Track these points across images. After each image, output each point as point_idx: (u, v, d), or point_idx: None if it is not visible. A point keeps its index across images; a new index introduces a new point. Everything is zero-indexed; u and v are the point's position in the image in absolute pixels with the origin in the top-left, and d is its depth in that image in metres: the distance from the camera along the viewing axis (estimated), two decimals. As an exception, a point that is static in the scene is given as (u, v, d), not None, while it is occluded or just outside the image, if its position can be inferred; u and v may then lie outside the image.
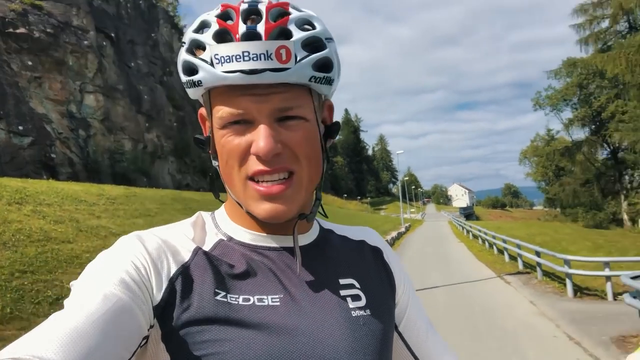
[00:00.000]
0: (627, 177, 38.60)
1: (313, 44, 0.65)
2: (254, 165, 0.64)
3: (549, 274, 11.14)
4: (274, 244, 0.70)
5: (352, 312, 0.69)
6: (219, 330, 0.60)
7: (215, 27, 0.63)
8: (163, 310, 0.61)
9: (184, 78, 0.67)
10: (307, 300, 0.67)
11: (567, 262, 9.20)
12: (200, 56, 0.63)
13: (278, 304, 0.64)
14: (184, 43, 0.67)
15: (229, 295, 0.63)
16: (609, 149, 39.12)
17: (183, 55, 0.66)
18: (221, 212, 0.75)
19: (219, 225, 0.73)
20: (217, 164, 0.69)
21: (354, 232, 0.83)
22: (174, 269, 0.64)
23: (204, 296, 0.62)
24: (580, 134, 41.21)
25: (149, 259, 0.63)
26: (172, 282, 0.62)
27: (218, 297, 0.62)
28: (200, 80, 0.64)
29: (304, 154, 0.66)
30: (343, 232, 0.82)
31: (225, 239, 0.71)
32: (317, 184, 0.71)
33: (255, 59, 0.60)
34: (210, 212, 0.77)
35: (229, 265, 0.67)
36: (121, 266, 0.61)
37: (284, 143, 0.64)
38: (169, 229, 0.70)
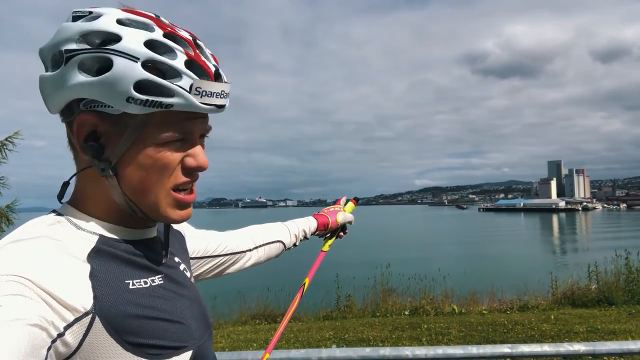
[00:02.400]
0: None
1: None
2: (182, 177, 0.76)
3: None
4: (138, 237, 0.80)
5: (191, 278, 0.93)
6: (143, 308, 0.73)
7: (183, 57, 0.71)
8: (98, 313, 0.66)
9: (136, 95, 0.67)
10: (174, 275, 0.85)
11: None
12: (176, 83, 0.69)
13: (162, 282, 0.80)
14: (131, 57, 0.67)
15: (134, 281, 0.74)
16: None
17: (139, 72, 0.67)
18: (73, 212, 0.76)
19: (82, 227, 0.74)
20: (111, 173, 0.73)
21: None
22: (85, 281, 0.67)
23: (121, 289, 0.71)
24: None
25: (47, 297, 0.61)
26: (93, 289, 0.67)
27: (130, 286, 0.73)
28: (172, 104, 0.69)
29: None
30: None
31: (99, 237, 0.74)
32: None
33: (225, 97, 0.76)
34: (53, 216, 0.75)
35: (119, 258, 0.75)
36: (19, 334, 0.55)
37: None
38: (41, 249, 0.66)
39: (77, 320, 0.63)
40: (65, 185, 0.78)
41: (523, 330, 6.36)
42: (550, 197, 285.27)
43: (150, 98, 0.68)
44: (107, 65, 0.67)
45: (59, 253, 0.67)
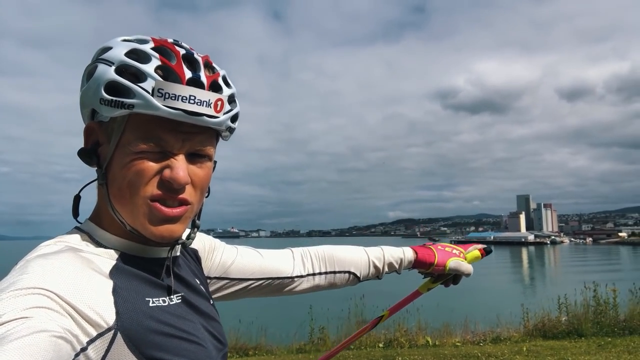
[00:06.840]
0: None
1: (232, 100, 0.79)
2: (160, 189, 0.72)
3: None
4: (156, 255, 0.80)
5: (209, 299, 0.91)
6: (163, 326, 0.72)
7: (157, 62, 0.70)
8: (120, 329, 0.66)
9: (105, 95, 0.69)
10: (191, 295, 0.84)
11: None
12: (139, 84, 0.68)
13: (180, 301, 0.80)
14: (108, 62, 0.70)
15: (154, 299, 0.74)
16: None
17: (110, 74, 0.69)
18: (94, 229, 0.77)
19: (104, 243, 0.75)
20: (102, 182, 0.75)
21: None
22: (108, 297, 0.67)
23: (142, 306, 0.71)
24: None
25: (72, 311, 0.61)
26: (115, 305, 0.67)
27: (150, 304, 0.73)
28: (132, 105, 0.68)
29: (201, 189, 0.78)
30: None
31: (120, 254, 0.75)
32: (197, 214, 0.83)
33: (198, 103, 0.71)
34: (76, 232, 0.77)
35: (139, 276, 0.75)
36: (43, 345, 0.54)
37: (191, 177, 0.75)
38: (67, 263, 0.66)
39: (99, 335, 0.63)
40: (77, 199, 0.79)
41: (496, 362, 6.36)
42: (519, 230, 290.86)
43: (115, 98, 0.69)
44: (93, 73, 0.72)
45: (84, 268, 0.68)
